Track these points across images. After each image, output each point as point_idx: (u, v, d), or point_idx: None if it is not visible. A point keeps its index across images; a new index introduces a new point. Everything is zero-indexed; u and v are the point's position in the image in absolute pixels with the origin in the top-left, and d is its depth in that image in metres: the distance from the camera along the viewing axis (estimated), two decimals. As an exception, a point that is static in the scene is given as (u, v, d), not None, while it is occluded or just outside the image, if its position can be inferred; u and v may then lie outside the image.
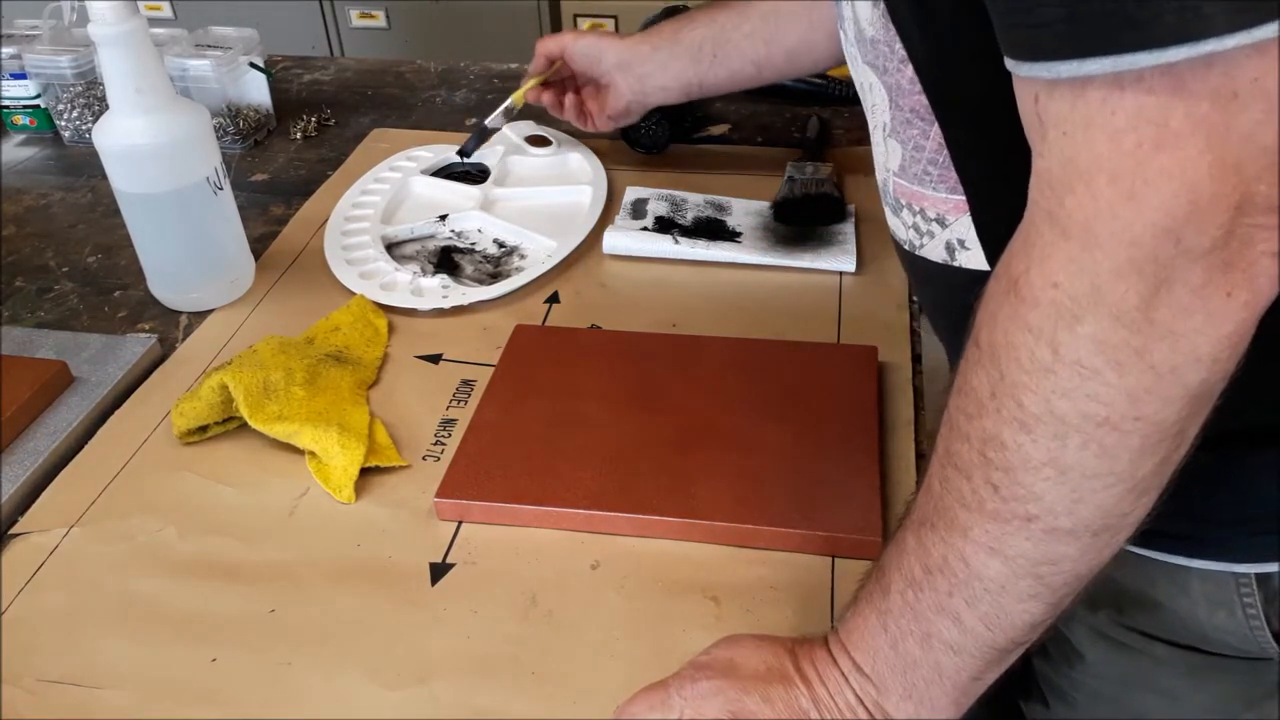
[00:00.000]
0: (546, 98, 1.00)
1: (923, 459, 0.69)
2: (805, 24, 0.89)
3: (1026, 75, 0.39)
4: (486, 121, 0.99)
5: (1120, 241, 0.38)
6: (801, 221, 0.93)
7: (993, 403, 0.43)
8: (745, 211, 0.95)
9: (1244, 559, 0.56)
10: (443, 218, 0.96)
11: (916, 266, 0.62)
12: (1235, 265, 0.38)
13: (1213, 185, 0.36)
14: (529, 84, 0.99)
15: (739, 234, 0.92)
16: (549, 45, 0.98)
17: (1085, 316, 0.39)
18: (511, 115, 1.00)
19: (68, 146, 1.16)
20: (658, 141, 1.06)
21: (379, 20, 2.24)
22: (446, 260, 0.92)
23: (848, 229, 0.92)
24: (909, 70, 0.54)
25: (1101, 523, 0.43)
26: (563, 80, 1.00)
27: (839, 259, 0.88)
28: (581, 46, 0.96)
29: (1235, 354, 0.40)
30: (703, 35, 0.91)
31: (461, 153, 1.01)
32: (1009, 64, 0.40)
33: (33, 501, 0.69)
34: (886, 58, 0.55)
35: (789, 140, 1.09)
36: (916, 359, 0.78)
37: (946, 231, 0.58)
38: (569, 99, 0.98)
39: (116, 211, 0.85)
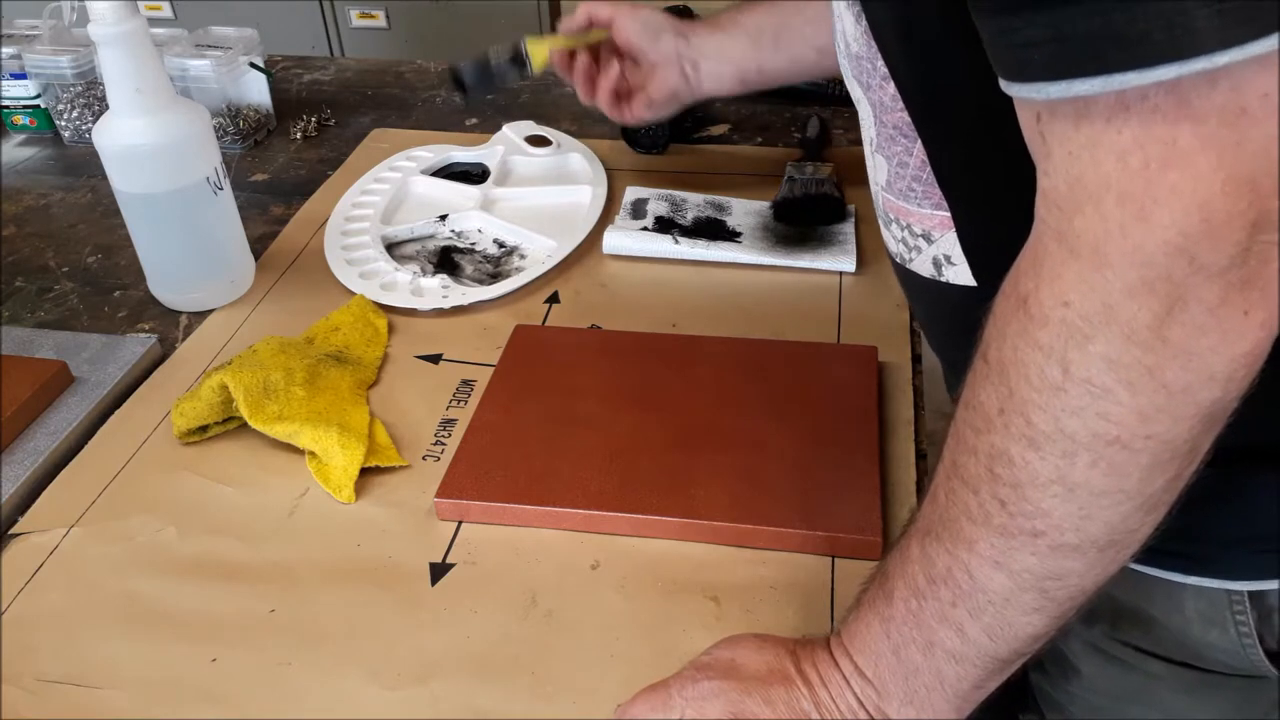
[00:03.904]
0: (579, 69, 0.87)
1: (923, 459, 0.69)
2: None
3: (1019, 96, 0.39)
4: (490, 56, 0.85)
5: (1131, 261, 0.37)
6: (801, 222, 0.93)
7: (1001, 419, 0.43)
8: (745, 211, 0.95)
9: (1238, 576, 0.56)
10: (443, 218, 0.96)
11: (909, 280, 0.62)
12: (1253, 283, 0.37)
13: (1226, 202, 0.35)
14: (556, 42, 0.85)
15: (739, 234, 0.92)
16: (598, 10, 0.86)
17: (1097, 335, 0.39)
18: (523, 74, 0.85)
19: (68, 146, 1.16)
20: (658, 141, 1.06)
21: (379, 20, 2.24)
22: (446, 260, 0.92)
23: (848, 229, 0.92)
24: (891, 87, 0.54)
25: (1108, 539, 0.43)
26: (596, 54, 0.87)
27: (839, 259, 0.88)
28: (640, 17, 0.85)
29: (1250, 372, 0.39)
30: (762, 21, 0.85)
31: (455, 75, 0.85)
32: (1002, 84, 0.40)
33: (33, 501, 0.69)
34: (870, 74, 0.55)
35: (789, 140, 1.09)
36: (916, 359, 0.78)
37: (933, 247, 0.58)
38: (606, 77, 0.86)
39: (116, 211, 0.85)
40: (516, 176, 1.04)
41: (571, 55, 0.86)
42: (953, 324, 0.47)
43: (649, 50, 0.86)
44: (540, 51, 0.84)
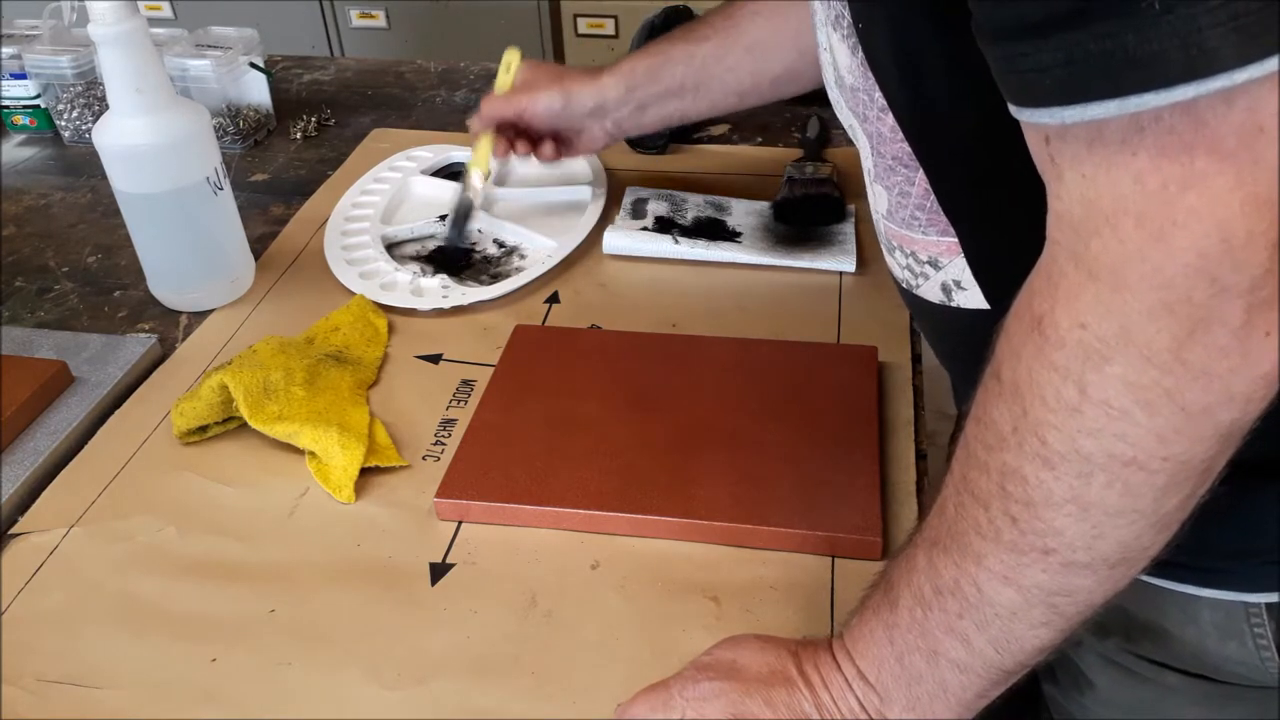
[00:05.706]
0: (520, 149, 0.90)
1: (923, 459, 0.69)
2: (793, 54, 0.85)
3: (1030, 121, 0.39)
4: (457, 204, 0.91)
5: (1151, 284, 0.37)
6: (801, 221, 0.93)
7: (1014, 437, 0.42)
8: (745, 211, 0.95)
9: (1253, 589, 0.55)
10: (443, 218, 0.96)
11: (917, 305, 0.62)
12: (1275, 303, 0.36)
13: (1247, 222, 0.35)
14: (485, 144, 0.89)
15: (739, 234, 0.92)
16: (500, 108, 0.89)
17: (1114, 357, 0.38)
18: (486, 180, 0.91)
19: (68, 146, 1.16)
20: (657, 141, 1.06)
21: (379, 20, 2.24)
22: (446, 260, 0.92)
23: (848, 229, 0.92)
24: (889, 119, 0.53)
25: (1120, 556, 0.42)
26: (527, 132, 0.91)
27: (839, 259, 0.88)
28: (543, 105, 0.87)
29: (1270, 393, 0.38)
30: (683, 74, 0.86)
31: (448, 242, 0.92)
32: (1012, 110, 0.39)
33: (33, 501, 0.69)
34: (866, 106, 0.54)
35: (789, 140, 1.09)
36: (916, 359, 0.78)
37: (941, 273, 0.58)
38: (545, 148, 0.90)
39: (116, 211, 0.85)
40: (516, 177, 1.03)
41: (507, 142, 0.90)
42: (965, 345, 0.46)
43: (563, 125, 0.89)
44: (483, 162, 0.89)
